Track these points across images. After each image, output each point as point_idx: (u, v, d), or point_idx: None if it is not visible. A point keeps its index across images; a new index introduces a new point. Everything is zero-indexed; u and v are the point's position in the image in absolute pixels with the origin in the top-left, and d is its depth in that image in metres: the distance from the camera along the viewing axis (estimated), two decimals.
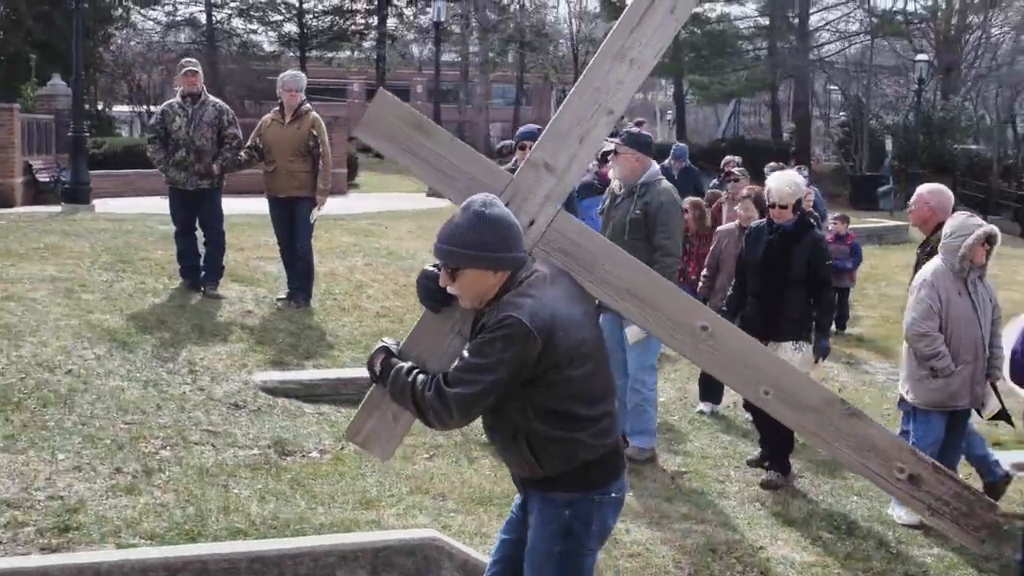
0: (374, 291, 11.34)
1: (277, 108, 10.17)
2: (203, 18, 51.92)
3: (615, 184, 7.54)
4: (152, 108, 42.21)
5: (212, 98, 10.35)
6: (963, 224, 6.53)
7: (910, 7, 43.55)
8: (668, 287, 4.07)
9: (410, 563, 5.26)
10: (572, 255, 3.81)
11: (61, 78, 23.78)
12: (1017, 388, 5.75)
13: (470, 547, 5.51)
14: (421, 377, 3.46)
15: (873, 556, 6.19)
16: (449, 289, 3.50)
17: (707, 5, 47.16)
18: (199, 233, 10.36)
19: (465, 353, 3.44)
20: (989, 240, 6.50)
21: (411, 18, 54.25)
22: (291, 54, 53.88)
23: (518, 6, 51.78)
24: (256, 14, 53.73)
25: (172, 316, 9.27)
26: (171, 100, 10.32)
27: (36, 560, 4.95)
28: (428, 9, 51.62)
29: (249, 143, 10.09)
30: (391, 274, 12.24)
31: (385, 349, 3.62)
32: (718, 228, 9.34)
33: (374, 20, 54.32)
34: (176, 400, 7.31)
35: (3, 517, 5.29)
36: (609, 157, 8.04)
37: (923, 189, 7.31)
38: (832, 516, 6.84)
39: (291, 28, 53.53)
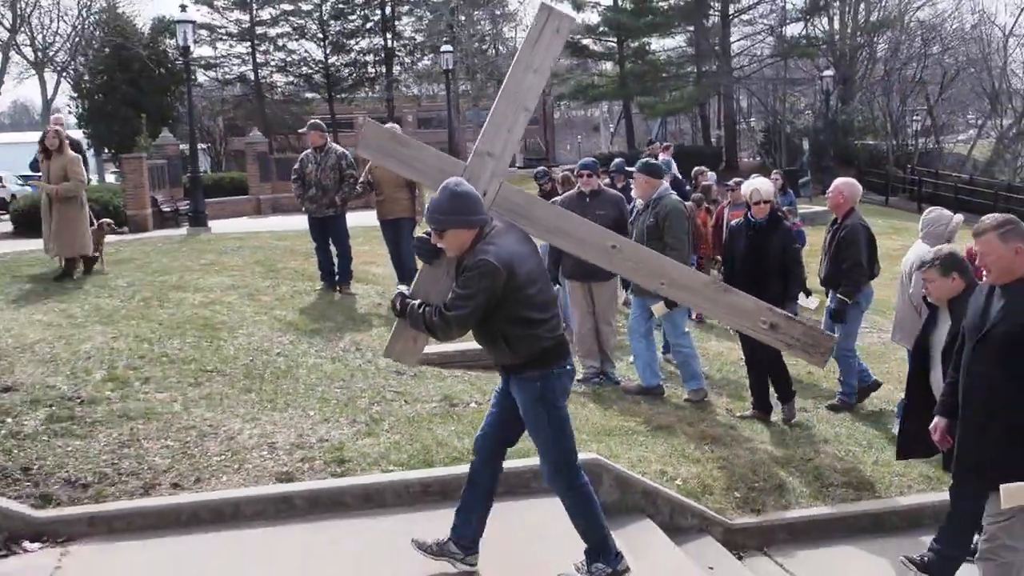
0: None
1: None
2: (251, 75, 52.02)
3: (637, 201, 7.84)
4: (213, 145, 42.89)
5: (335, 146, 10.83)
6: (940, 215, 7.08)
7: (813, 32, 44.09)
8: (584, 223, 4.75)
9: None
10: (514, 211, 4.43)
11: (168, 131, 24.33)
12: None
13: (618, 464, 5.84)
14: (428, 308, 4.06)
15: (892, 461, 6.36)
16: (439, 245, 4.09)
17: (644, 39, 47.57)
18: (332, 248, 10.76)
19: (455, 288, 4.02)
20: None
21: (410, 65, 54.55)
22: (320, 97, 54.13)
23: (494, 51, 52.17)
24: (292, 69, 53.87)
25: (327, 310, 9.67)
26: (306, 151, 10.80)
27: (334, 482, 5.44)
28: (424, 60, 52.58)
29: (362, 179, 10.45)
30: None
31: (401, 293, 4.23)
32: (731, 225, 9.03)
33: (383, 69, 54.66)
34: (359, 371, 7.56)
35: (298, 455, 5.70)
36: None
37: (839, 182, 7.89)
38: (853, 436, 7.18)
39: (319, 78, 53.65)
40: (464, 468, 5.60)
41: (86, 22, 40.41)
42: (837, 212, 7.79)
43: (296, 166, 10.81)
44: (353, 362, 7.86)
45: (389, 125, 14.18)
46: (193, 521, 5.13)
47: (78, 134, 53.61)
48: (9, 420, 5.92)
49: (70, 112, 48.80)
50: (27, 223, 18.48)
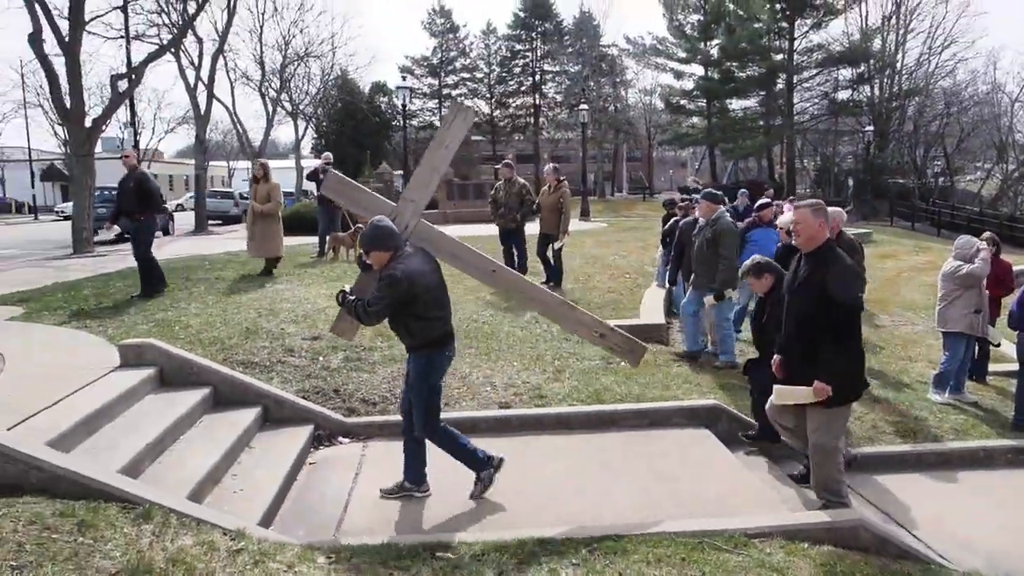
0: (599, 278, 11.48)
1: (547, 185, 10.76)
2: (437, 123, 53.41)
3: (701, 220, 7.64)
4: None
5: (518, 179, 11.23)
6: (968, 241, 7.01)
7: (858, 97, 42.18)
8: (473, 252, 4.77)
9: (704, 413, 5.89)
10: (426, 240, 4.52)
11: (387, 164, 25.46)
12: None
13: (730, 407, 6.02)
14: (359, 302, 4.19)
15: (931, 421, 6.39)
16: (368, 261, 4.30)
17: (727, 100, 46.53)
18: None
19: (374, 291, 4.17)
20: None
21: (552, 117, 54.77)
22: (485, 139, 55.16)
23: (614, 108, 51.82)
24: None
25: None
26: (499, 181, 11.25)
27: (538, 410, 5.82)
28: (561, 114, 52.73)
29: (535, 204, 10.90)
30: (601, 268, 12.31)
31: (343, 291, 4.36)
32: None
33: (531, 119, 55.17)
34: (540, 337, 7.73)
35: (511, 391, 6.07)
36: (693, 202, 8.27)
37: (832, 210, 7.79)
38: (900, 401, 6.99)
39: (485, 126, 54.63)
40: (624, 406, 6.00)
41: (326, 85, 42.34)
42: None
43: (491, 192, 11.25)
44: (535, 330, 8.10)
45: (324, 156, 14.08)
46: None
47: (317, 162, 56.06)
48: (320, 359, 6.58)
49: (312, 148, 51.47)
50: (289, 225, 19.78)
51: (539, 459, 5.18)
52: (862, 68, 40.69)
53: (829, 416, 4.28)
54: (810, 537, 3.96)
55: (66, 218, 32.84)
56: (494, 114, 54.84)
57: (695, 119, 49.23)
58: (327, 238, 13.14)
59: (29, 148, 43.70)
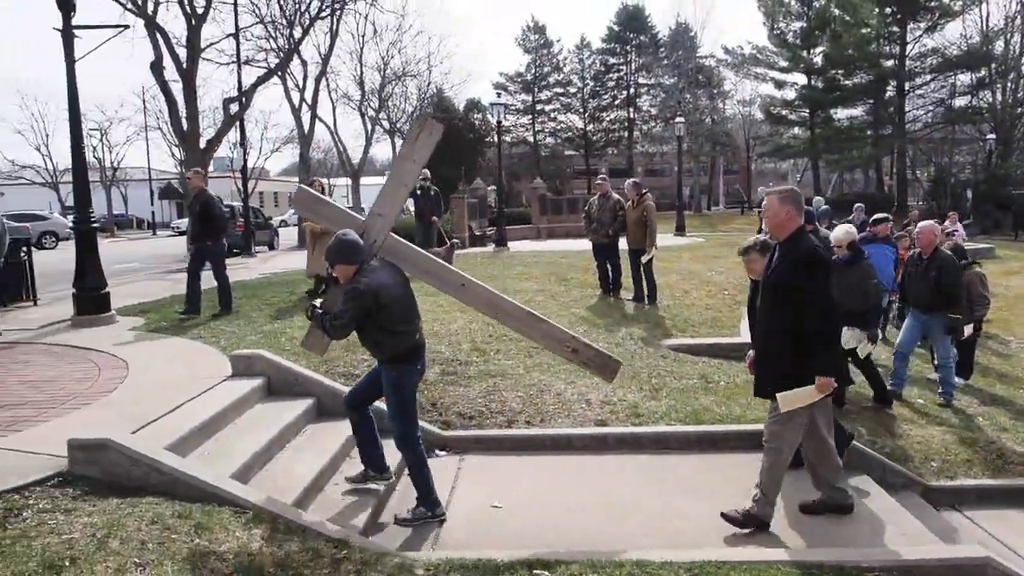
0: (696, 294, 11.27)
1: (629, 201, 10.65)
2: (530, 138, 54.00)
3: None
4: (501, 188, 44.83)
5: (613, 194, 11.18)
6: None
7: (978, 103, 39.69)
8: (443, 266, 4.75)
9: None
10: (395, 254, 4.52)
11: (481, 181, 25.92)
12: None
13: None
14: (326, 316, 4.19)
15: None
16: (334, 274, 4.30)
17: (832, 110, 44.78)
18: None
19: (339, 304, 4.18)
20: None
21: (646, 131, 54.23)
22: (578, 154, 55.21)
23: (710, 120, 50.86)
24: (560, 134, 55.36)
25: (606, 309, 9.80)
26: (593, 196, 11.25)
27: (635, 429, 5.73)
28: (656, 127, 52.14)
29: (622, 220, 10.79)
30: (698, 284, 12.10)
31: (312, 305, 4.38)
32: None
33: (625, 133, 54.84)
34: (636, 354, 7.71)
35: (606, 408, 6.01)
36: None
37: (930, 224, 7.55)
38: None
39: (578, 140, 54.71)
40: (728, 427, 5.84)
41: (423, 103, 43.49)
42: (926, 248, 7.21)
43: (585, 207, 11.24)
44: (629, 347, 8.06)
45: (421, 173, 14.38)
46: (541, 446, 5.65)
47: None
48: None
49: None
50: None
51: (636, 479, 5.10)
52: (983, 72, 38.29)
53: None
54: (931, 574, 3.73)
55: (180, 233, 35.15)
56: (587, 128, 54.83)
57: (796, 130, 47.61)
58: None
59: (149, 168, 46.84)
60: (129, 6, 17.52)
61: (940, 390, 7.26)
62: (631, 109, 54.71)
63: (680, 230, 25.71)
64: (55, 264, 15.15)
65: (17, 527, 3.23)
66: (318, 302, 4.51)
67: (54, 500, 3.50)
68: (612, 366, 4.74)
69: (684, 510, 4.61)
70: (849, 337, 5.94)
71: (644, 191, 10.68)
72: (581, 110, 55.12)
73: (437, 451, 5.64)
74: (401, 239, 4.72)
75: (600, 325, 8.89)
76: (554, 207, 28.34)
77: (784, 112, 46.84)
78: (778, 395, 4.17)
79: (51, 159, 50.74)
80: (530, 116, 54.69)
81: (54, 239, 29.10)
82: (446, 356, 7.13)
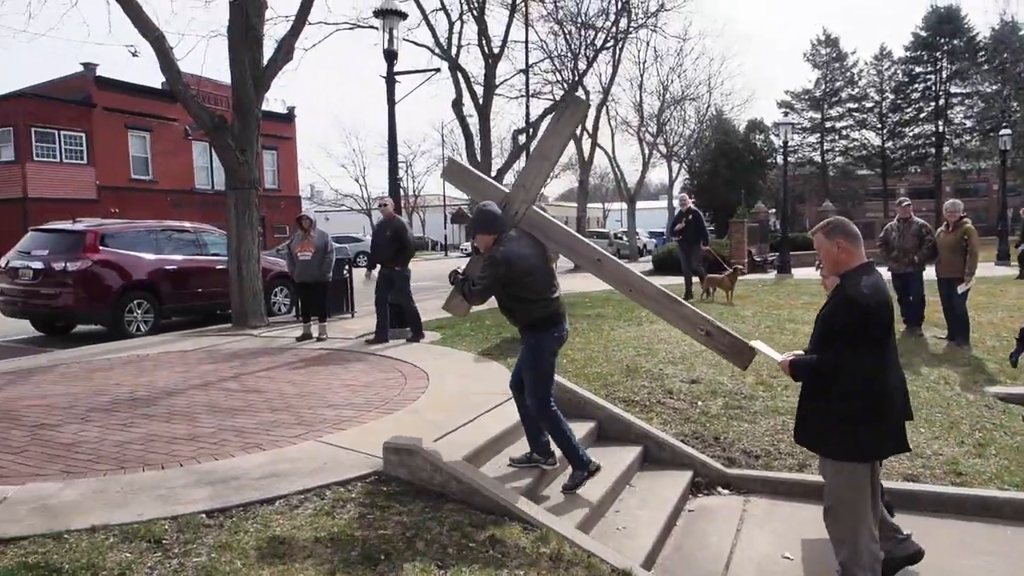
0: None
1: (944, 223, 9.49)
2: (817, 158, 50.50)
3: None
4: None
5: (916, 219, 9.97)
6: None
7: None
8: (580, 240, 4.88)
9: None
10: (535, 227, 4.69)
11: (763, 204, 24.80)
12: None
13: None
14: (467, 282, 4.43)
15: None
16: (475, 244, 4.51)
17: None
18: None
19: (479, 271, 4.42)
20: None
21: (959, 146, 47.87)
22: (873, 173, 50.42)
23: None
24: (852, 152, 51.09)
25: (909, 346, 8.78)
26: (889, 222, 10.18)
27: (952, 489, 4.99)
28: (972, 141, 45.81)
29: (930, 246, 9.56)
30: None
31: (455, 272, 4.57)
32: None
33: (932, 150, 48.96)
34: (951, 401, 6.75)
35: (918, 462, 5.33)
36: None
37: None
38: None
39: (874, 159, 49.99)
40: None
41: (701, 126, 42.79)
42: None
43: (882, 233, 10.21)
44: (944, 392, 7.09)
45: (680, 198, 13.09)
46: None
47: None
48: (700, 403, 6.51)
49: (683, 188, 52.23)
50: (661, 265, 20.57)
51: (955, 549, 4.40)
52: None
53: (836, 469, 3.60)
54: None
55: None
56: (885, 145, 49.98)
57: None
58: (703, 279, 13.16)
59: (444, 195, 51.84)
60: (437, 52, 19.54)
61: None
62: (940, 122, 48.80)
63: (1003, 258, 22.22)
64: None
65: (343, 517, 3.64)
66: (460, 268, 4.80)
67: (371, 496, 3.89)
68: (747, 354, 4.55)
69: None
70: None
71: (963, 215, 9.49)
72: (878, 126, 50.46)
73: (720, 488, 5.38)
74: (542, 212, 4.88)
75: (905, 364, 7.84)
76: None
77: None
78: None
79: (366, 188, 58.30)
80: (818, 134, 51.30)
81: (367, 258, 33.62)
82: (728, 388, 6.82)
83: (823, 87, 51.30)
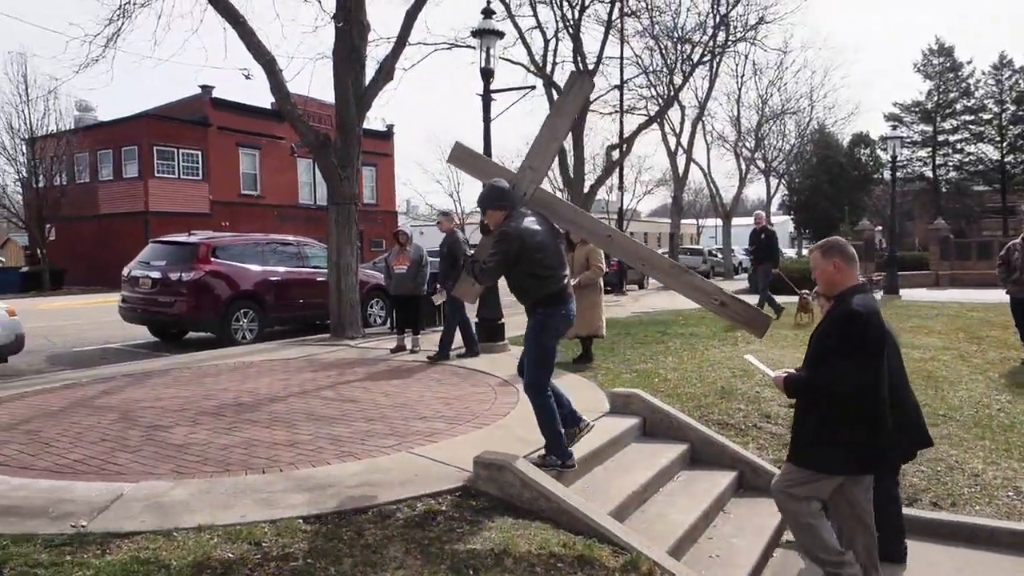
0: None
1: None
2: (928, 173, 47.88)
3: None
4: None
5: None
6: None
7: None
8: (589, 218, 5.06)
9: None
10: (543, 205, 4.74)
11: (867, 221, 23.69)
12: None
13: None
14: (477, 262, 4.52)
15: None
16: (485, 222, 4.56)
17: None
18: None
19: (489, 247, 4.44)
20: None
21: None
22: (990, 189, 47.38)
23: None
24: (967, 167, 48.22)
25: None
26: (1013, 240, 9.50)
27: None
28: None
29: None
30: None
31: (466, 254, 4.75)
32: None
33: None
34: None
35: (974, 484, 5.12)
36: None
37: None
38: None
39: (992, 174, 46.98)
40: None
41: (802, 140, 41.39)
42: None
43: (1002, 252, 9.54)
44: None
45: (756, 215, 12.48)
46: (952, 535, 4.79)
47: (784, 219, 54.80)
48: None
49: (781, 204, 50.58)
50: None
51: None
52: None
53: (805, 478, 3.58)
54: None
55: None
56: (1005, 159, 46.85)
57: None
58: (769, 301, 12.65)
59: None
60: (532, 69, 19.73)
61: None
62: None
63: None
64: None
65: (433, 529, 3.67)
66: (470, 252, 4.90)
67: (460, 510, 3.91)
68: (761, 322, 4.53)
69: None
70: None
71: None
72: (997, 139, 47.41)
73: None
74: (548, 191, 4.97)
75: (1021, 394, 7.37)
76: (959, 251, 24.65)
77: None
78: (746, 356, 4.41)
79: (460, 203, 59.23)
80: (929, 148, 48.70)
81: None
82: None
83: (935, 98, 48.68)
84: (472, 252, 4.83)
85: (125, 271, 12.35)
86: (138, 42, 49.50)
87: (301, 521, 3.67)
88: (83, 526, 3.57)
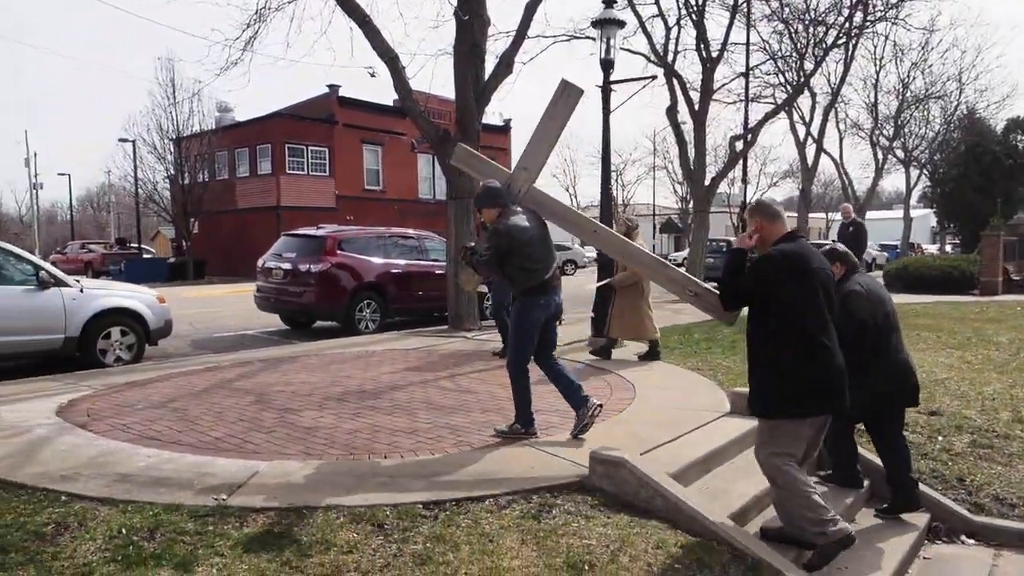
0: None
1: None
2: None
3: None
4: None
5: None
6: None
7: None
8: (576, 214, 5.26)
9: None
10: (536, 203, 5.03)
11: (1022, 213, 21.72)
12: None
13: None
14: (475, 254, 4.86)
15: None
16: (481, 218, 4.93)
17: None
18: None
19: (485, 242, 4.79)
20: None
21: None
22: None
23: None
24: None
25: None
26: None
27: None
28: None
29: None
30: None
31: (465, 246, 5.06)
32: None
33: None
34: None
35: None
36: None
37: None
38: None
39: None
40: None
41: (948, 127, 38.49)
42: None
43: None
44: None
45: (843, 208, 11.20)
46: None
47: (925, 212, 51.24)
48: (940, 438, 5.85)
49: (922, 196, 47.25)
50: (894, 279, 19.08)
51: None
52: None
53: (768, 428, 3.83)
54: None
55: (678, 265, 37.54)
56: None
57: None
58: None
59: (653, 205, 51.23)
60: (652, 59, 19.39)
61: None
62: None
63: None
64: (573, 289, 17.49)
65: (549, 523, 3.70)
66: (471, 244, 5.20)
67: (576, 505, 3.93)
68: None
69: None
70: None
71: None
72: None
73: (963, 537, 4.79)
74: (541, 190, 5.16)
75: None
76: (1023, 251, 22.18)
77: None
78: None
79: (576, 198, 59.17)
80: None
81: (573, 266, 34.39)
82: (977, 424, 6.07)
83: None
84: (472, 244, 5.21)
85: (259, 263, 13.15)
86: (272, 45, 52.43)
87: (421, 506, 3.80)
88: (224, 499, 3.85)
